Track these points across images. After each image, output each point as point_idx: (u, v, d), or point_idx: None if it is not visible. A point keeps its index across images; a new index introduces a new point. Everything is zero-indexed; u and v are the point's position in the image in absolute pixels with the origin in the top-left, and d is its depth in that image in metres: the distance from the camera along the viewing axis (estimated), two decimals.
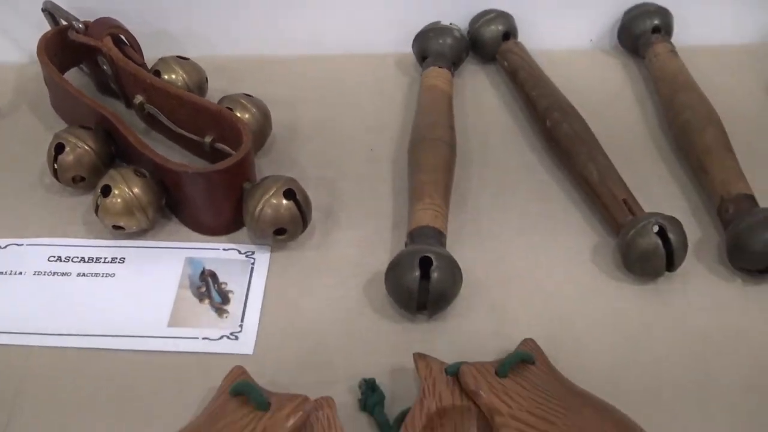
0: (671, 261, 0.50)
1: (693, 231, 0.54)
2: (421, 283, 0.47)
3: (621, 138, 0.61)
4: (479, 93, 0.66)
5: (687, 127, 0.58)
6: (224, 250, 0.53)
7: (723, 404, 0.45)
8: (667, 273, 0.51)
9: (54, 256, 0.52)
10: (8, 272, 0.51)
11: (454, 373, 0.43)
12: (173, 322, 0.49)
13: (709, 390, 0.46)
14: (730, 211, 0.52)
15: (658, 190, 0.57)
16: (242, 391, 0.41)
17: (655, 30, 0.66)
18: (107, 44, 0.59)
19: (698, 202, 0.56)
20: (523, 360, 0.44)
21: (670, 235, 0.49)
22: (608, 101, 0.65)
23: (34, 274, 0.51)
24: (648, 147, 0.61)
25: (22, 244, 0.53)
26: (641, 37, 0.66)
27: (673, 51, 0.64)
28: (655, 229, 0.50)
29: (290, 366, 0.47)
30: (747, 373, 0.47)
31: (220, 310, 0.49)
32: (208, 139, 0.56)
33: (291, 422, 0.39)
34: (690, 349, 0.48)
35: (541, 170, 0.59)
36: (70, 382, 0.46)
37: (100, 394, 0.45)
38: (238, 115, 0.56)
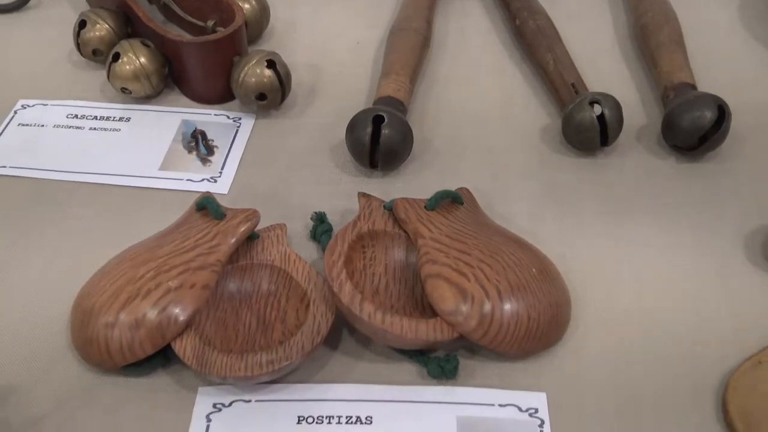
0: (605, 135, 0.55)
1: (639, 117, 0.59)
2: (374, 139, 0.53)
3: (591, 41, 0.66)
4: (467, 3, 0.71)
5: (645, 28, 0.62)
6: (215, 115, 0.60)
7: (644, 262, 0.50)
8: (605, 148, 0.56)
9: (71, 114, 0.61)
10: (33, 125, 0.60)
11: (390, 208, 0.49)
12: (164, 167, 0.56)
13: (626, 247, 0.51)
14: (670, 97, 0.57)
15: (615, 83, 0.62)
16: (204, 203, 0.48)
17: None
18: None
19: (648, 93, 0.61)
20: (453, 199, 0.50)
21: (605, 110, 0.54)
22: (586, 12, 0.70)
23: (54, 127, 0.60)
24: (614, 48, 0.66)
25: (46, 104, 0.62)
26: None
27: None
28: (597, 110, 0.55)
29: (258, 204, 0.53)
30: (667, 236, 0.52)
31: (204, 160, 0.57)
32: (210, 23, 0.63)
33: (242, 228, 0.47)
34: (614, 210, 0.53)
35: (509, 64, 0.65)
36: (78, 209, 0.54)
37: (101, 218, 0.53)
38: (239, 3, 0.63)
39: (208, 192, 0.50)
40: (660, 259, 0.50)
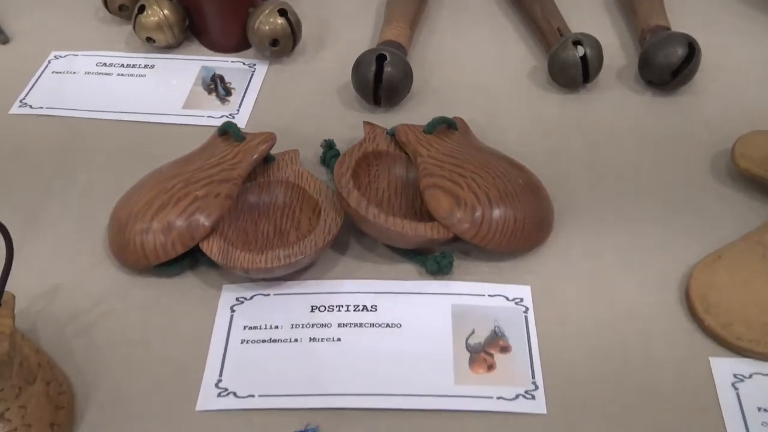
0: (587, 72, 0.60)
1: (618, 59, 0.65)
2: (377, 77, 0.59)
3: None
4: None
5: None
6: (232, 62, 0.66)
7: (621, 179, 0.56)
8: (587, 85, 0.62)
9: (101, 63, 0.67)
10: (65, 72, 0.66)
11: (392, 133, 0.55)
12: (187, 106, 0.62)
13: (605, 169, 0.57)
14: (647, 39, 0.62)
15: (597, 30, 0.66)
16: (226, 128, 0.54)
17: None
18: None
19: (628, 38, 0.67)
20: (448, 125, 0.55)
21: (587, 49, 0.60)
22: None
23: (84, 74, 0.66)
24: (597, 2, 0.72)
25: (77, 55, 0.68)
26: None
27: None
28: (581, 52, 0.61)
29: None
30: (641, 158, 0.57)
31: (223, 100, 0.63)
32: None
33: (261, 147, 0.52)
34: (595, 138, 0.59)
35: (500, 15, 0.71)
36: (110, 142, 0.60)
37: (130, 150, 0.59)
38: None
39: (228, 122, 0.56)
40: (635, 178, 0.56)
